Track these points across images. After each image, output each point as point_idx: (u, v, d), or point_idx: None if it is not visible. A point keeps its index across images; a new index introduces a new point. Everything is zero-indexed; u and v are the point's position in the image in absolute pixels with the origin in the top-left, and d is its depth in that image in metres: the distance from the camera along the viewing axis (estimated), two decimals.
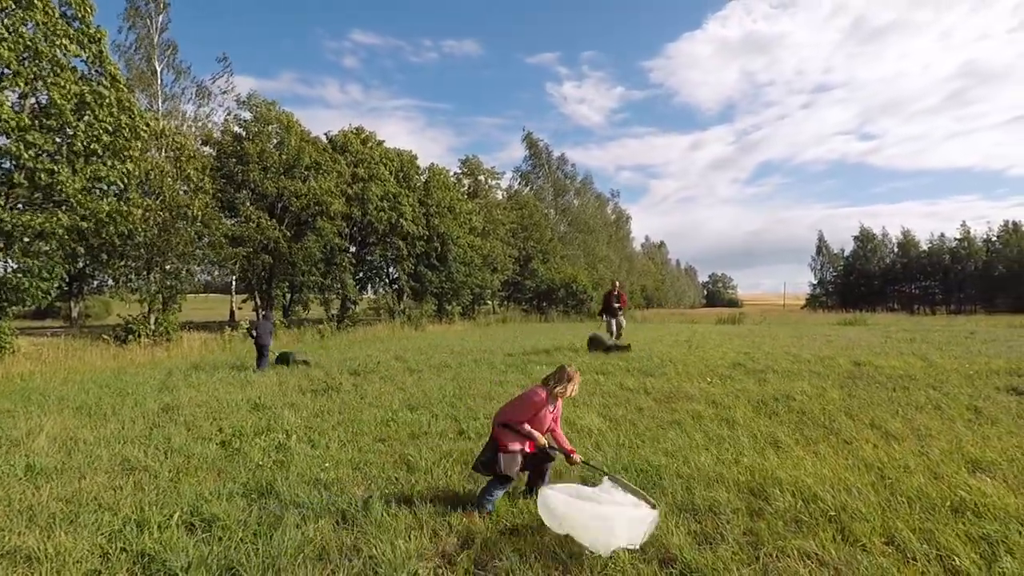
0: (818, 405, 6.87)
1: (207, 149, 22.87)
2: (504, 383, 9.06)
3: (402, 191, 27.89)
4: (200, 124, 27.77)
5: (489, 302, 41.87)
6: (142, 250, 17.37)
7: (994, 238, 65.69)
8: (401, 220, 27.13)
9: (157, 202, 16.93)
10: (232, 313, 34.48)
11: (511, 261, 37.91)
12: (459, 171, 39.79)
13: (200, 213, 18.17)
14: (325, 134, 28.45)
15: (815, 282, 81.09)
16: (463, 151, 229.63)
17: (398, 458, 5.12)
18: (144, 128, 15.70)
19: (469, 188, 39.33)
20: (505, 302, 44.15)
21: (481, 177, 40.65)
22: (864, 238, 75.66)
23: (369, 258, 29.92)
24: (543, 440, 3.95)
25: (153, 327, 16.80)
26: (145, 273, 17.83)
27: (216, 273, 25.95)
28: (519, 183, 50.35)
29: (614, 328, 13.99)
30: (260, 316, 12.97)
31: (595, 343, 13.29)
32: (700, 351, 12.57)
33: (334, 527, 3.67)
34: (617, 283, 14.94)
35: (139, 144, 15.61)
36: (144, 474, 4.71)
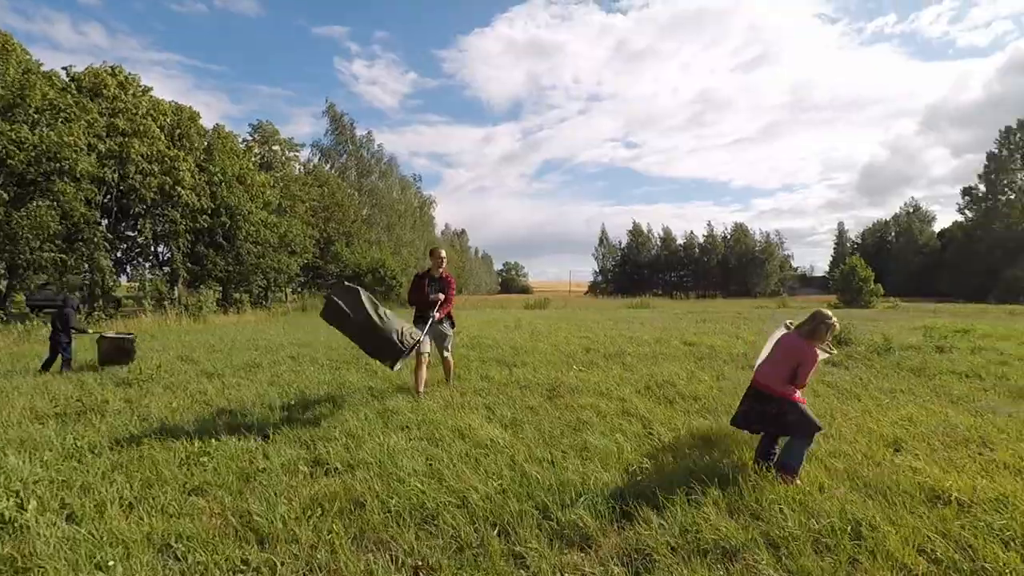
0: (701, 389, 6.70)
1: None
2: (344, 384, 7.31)
3: (178, 153, 22.76)
4: None
5: (284, 289, 37.45)
6: None
7: (728, 236, 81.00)
8: (178, 187, 22.12)
9: None
10: None
11: (311, 243, 34.26)
12: (249, 138, 34.58)
13: None
14: (65, 69, 21.78)
15: (597, 270, 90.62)
16: (241, 120, 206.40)
17: (235, 521, 3.28)
18: None
19: (262, 158, 34.40)
20: (302, 288, 40.04)
21: (276, 147, 35.93)
22: (635, 233, 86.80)
23: (130, 234, 23.95)
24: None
25: None
26: None
27: None
28: (319, 158, 46.05)
29: (426, 346, 6.38)
30: (64, 299, 9.66)
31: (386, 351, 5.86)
32: (547, 337, 12.19)
33: None
34: (442, 253, 6.91)
35: None
36: None
